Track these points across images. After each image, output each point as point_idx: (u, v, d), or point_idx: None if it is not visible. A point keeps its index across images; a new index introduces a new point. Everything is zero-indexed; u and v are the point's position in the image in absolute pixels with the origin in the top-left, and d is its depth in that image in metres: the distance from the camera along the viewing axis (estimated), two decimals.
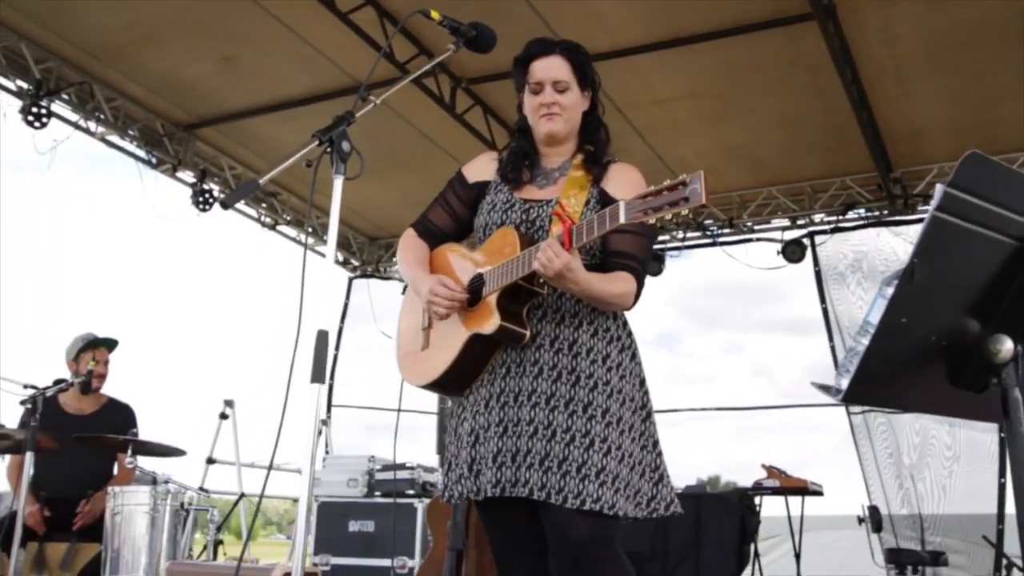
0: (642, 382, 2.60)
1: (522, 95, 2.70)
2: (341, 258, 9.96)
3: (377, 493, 7.40)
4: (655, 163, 8.35)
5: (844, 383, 1.32)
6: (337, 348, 9.73)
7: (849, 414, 8.07)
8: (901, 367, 1.39)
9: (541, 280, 2.41)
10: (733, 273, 8.85)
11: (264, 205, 9.36)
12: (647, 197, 2.15)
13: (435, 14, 2.45)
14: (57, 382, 4.55)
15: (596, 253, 2.56)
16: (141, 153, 8.11)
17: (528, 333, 2.48)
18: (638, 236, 2.54)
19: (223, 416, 7.66)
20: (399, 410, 3.18)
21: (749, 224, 8.90)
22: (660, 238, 9.27)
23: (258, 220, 9.37)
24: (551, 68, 2.61)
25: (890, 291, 1.28)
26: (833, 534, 8.22)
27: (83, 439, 4.48)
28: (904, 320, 1.33)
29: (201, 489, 7.81)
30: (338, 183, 1.97)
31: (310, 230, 9.41)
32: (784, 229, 8.79)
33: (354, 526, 7.39)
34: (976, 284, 1.40)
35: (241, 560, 2.98)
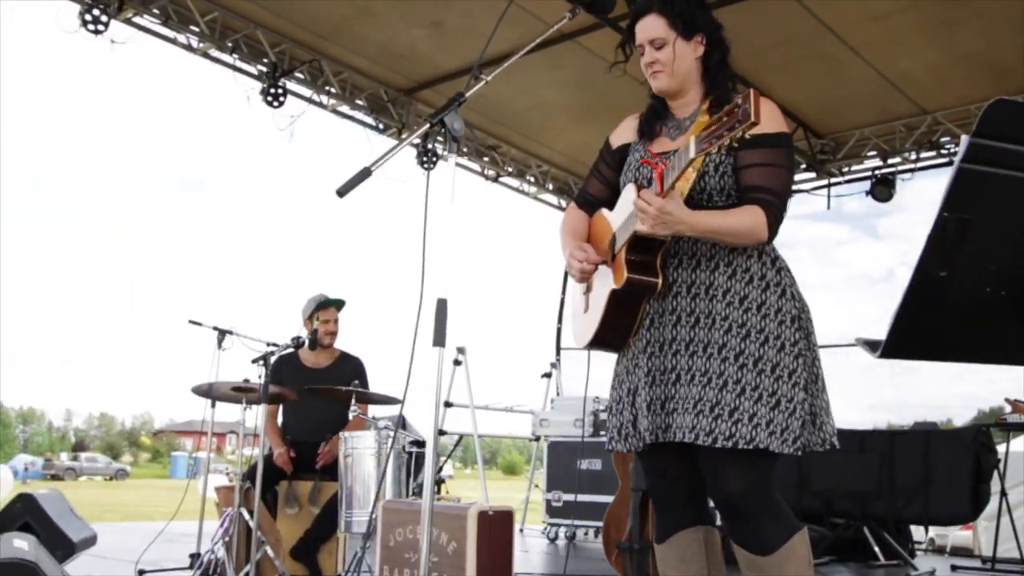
0: (795, 319, 2.51)
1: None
2: (564, 204, 10.21)
3: (602, 433, 7.63)
4: (877, 82, 7.90)
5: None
6: (563, 292, 10.02)
7: None
8: (952, 320, 1.37)
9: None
10: None
11: (486, 159, 9.74)
12: (711, 127, 2.14)
13: None
14: (295, 340, 5.09)
15: (731, 193, 2.52)
16: (369, 120, 8.69)
17: (659, 281, 2.50)
18: (768, 167, 2.47)
19: (456, 363, 8.22)
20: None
21: None
22: (891, 160, 8.74)
23: (481, 173, 9.77)
24: (647, 28, 2.61)
25: None
26: None
27: (313, 390, 5.01)
28: (943, 274, 1.31)
29: (440, 431, 8.46)
30: (452, 161, 2.10)
31: (531, 179, 9.66)
32: None
33: (583, 464, 7.70)
34: None
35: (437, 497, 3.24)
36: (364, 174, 1.95)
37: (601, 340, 2.67)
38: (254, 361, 4.42)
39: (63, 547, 4.57)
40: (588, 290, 2.75)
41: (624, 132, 2.82)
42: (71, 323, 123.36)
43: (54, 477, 44.05)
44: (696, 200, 2.49)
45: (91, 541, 5.08)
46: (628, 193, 2.56)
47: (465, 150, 9.49)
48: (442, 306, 2.09)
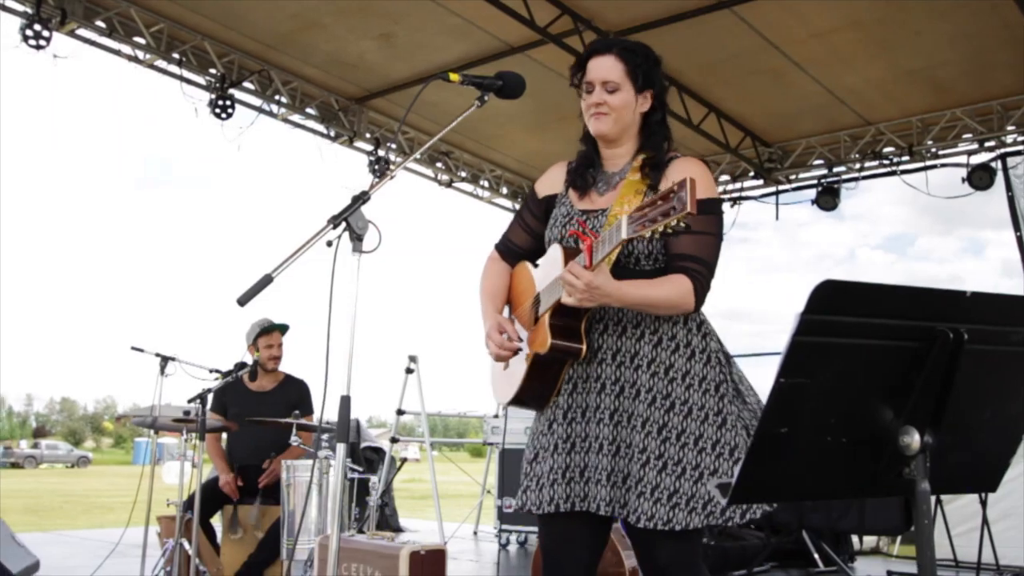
0: (718, 386, 2.47)
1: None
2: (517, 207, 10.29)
3: None
4: (823, 96, 8.04)
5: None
6: None
7: None
8: (797, 467, 1.46)
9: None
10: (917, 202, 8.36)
11: (439, 164, 9.78)
12: (644, 209, 2.12)
13: (454, 76, 2.52)
14: (238, 366, 5.13)
15: (659, 257, 2.49)
16: (320, 128, 8.69)
17: (584, 348, 2.45)
18: (697, 235, 2.41)
19: (408, 371, 8.28)
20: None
21: (934, 150, 8.34)
22: (836, 170, 8.90)
23: (435, 179, 9.81)
24: (603, 68, 2.57)
25: None
26: None
27: (254, 421, 5.06)
28: (784, 430, 1.40)
29: (392, 439, 8.53)
30: (356, 260, 2.12)
31: (484, 184, 9.73)
32: (971, 153, 8.17)
33: None
34: (866, 387, 1.44)
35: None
36: (265, 281, 1.98)
37: (521, 400, 2.63)
38: (190, 400, 4.45)
39: None
40: None
41: (551, 181, 2.76)
42: (33, 306, 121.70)
43: (14, 465, 43.58)
44: (623, 264, 2.46)
45: (33, 568, 5.10)
46: (554, 253, 2.53)
47: (418, 156, 9.52)
48: (345, 403, 2.14)
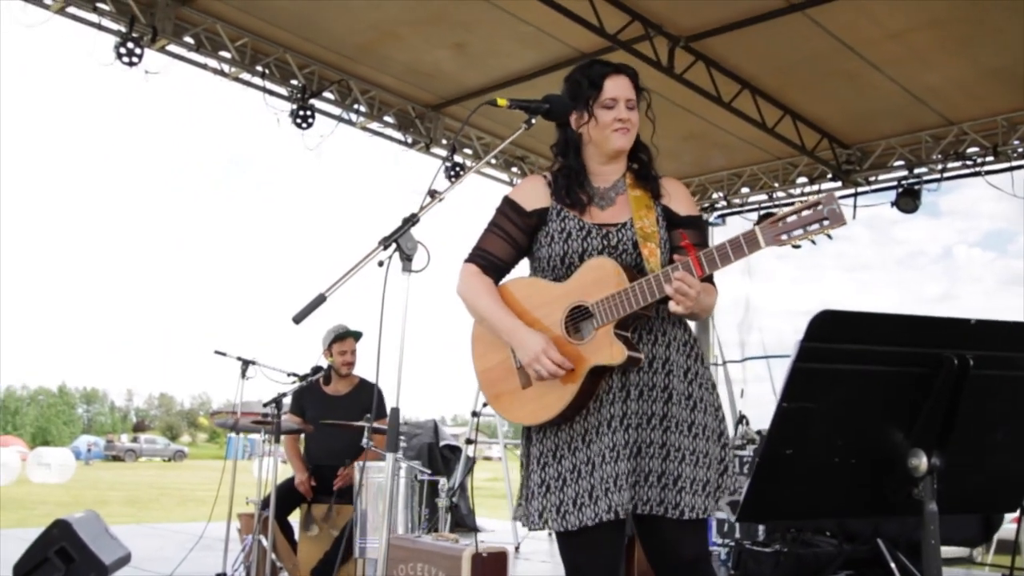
0: (710, 380, 2.70)
1: (582, 113, 2.70)
2: None
3: None
4: (902, 96, 7.90)
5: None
6: None
7: None
8: (803, 488, 1.52)
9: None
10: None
11: (515, 169, 9.90)
12: (779, 221, 2.19)
13: (502, 102, 2.61)
14: (314, 370, 5.35)
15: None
16: (398, 135, 8.90)
17: (643, 356, 2.55)
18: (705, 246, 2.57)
19: None
20: None
21: (1020, 150, 8.10)
22: (916, 171, 8.72)
23: (509, 184, 9.93)
24: (624, 86, 2.69)
25: None
26: None
27: (328, 424, 5.27)
28: (790, 452, 1.46)
29: (468, 440, 8.68)
30: (406, 280, 2.23)
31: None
32: None
33: None
34: (873, 410, 1.49)
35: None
36: (319, 300, 2.11)
37: (564, 416, 2.59)
38: (266, 404, 4.66)
39: (97, 570, 4.87)
40: (521, 364, 2.62)
41: (534, 195, 2.75)
42: (135, 305, 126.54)
43: (115, 458, 45.46)
44: (643, 274, 2.55)
45: (125, 560, 5.39)
46: (601, 265, 2.57)
47: (493, 162, 9.67)
48: (394, 414, 2.26)
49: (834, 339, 1.40)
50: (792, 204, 2.23)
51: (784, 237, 2.18)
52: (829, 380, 1.43)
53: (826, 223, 2.11)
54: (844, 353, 1.42)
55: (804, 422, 1.45)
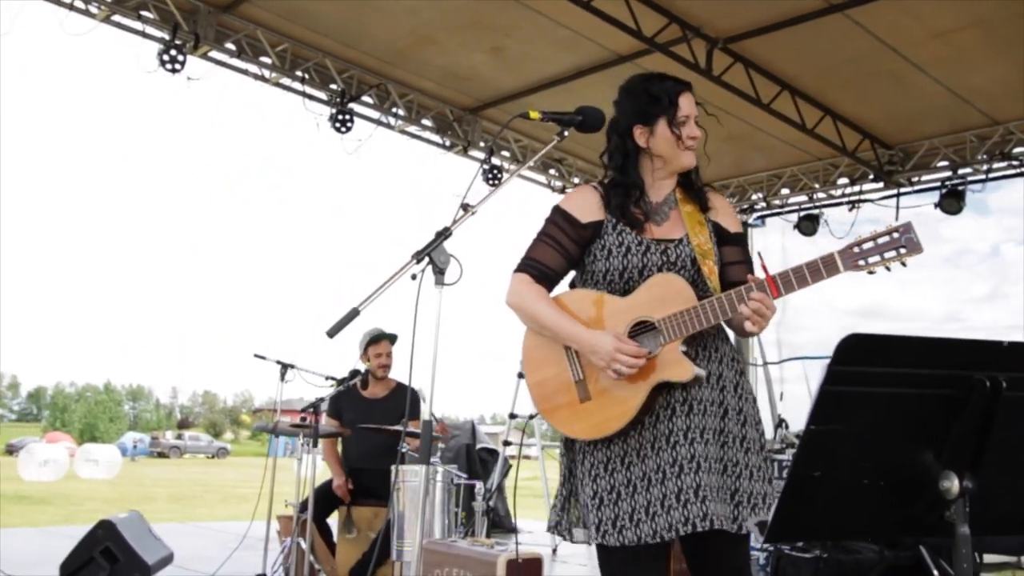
0: (755, 398, 2.72)
1: (653, 127, 2.69)
2: None
3: None
4: (946, 96, 7.78)
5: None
6: None
7: None
8: (831, 509, 1.52)
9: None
10: None
11: (552, 171, 9.91)
12: (856, 247, 2.22)
13: (534, 114, 2.63)
14: (351, 374, 5.41)
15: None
16: (436, 138, 8.95)
17: (706, 372, 2.57)
18: (745, 264, 2.74)
19: (520, 375, 8.43)
20: None
21: None
22: (960, 171, 8.58)
23: (548, 185, 9.94)
24: (692, 103, 2.70)
25: None
26: None
27: (366, 428, 5.31)
28: (817, 474, 1.46)
29: (505, 442, 8.70)
30: (439, 293, 2.26)
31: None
32: None
33: None
34: (903, 433, 1.48)
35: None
36: (352, 315, 2.14)
37: (625, 430, 2.56)
38: (303, 410, 4.72)
39: (141, 570, 4.97)
40: (583, 378, 2.60)
41: (588, 207, 2.72)
42: (180, 304, 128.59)
43: (160, 455, 46.20)
44: (701, 291, 2.57)
45: (168, 560, 5.49)
46: (672, 284, 2.56)
47: (531, 164, 9.68)
48: (427, 427, 2.29)
49: (863, 362, 1.39)
50: (863, 227, 2.27)
51: (862, 263, 2.22)
52: (858, 403, 1.43)
53: (903, 251, 2.15)
54: (872, 376, 1.41)
55: (832, 444, 1.45)
